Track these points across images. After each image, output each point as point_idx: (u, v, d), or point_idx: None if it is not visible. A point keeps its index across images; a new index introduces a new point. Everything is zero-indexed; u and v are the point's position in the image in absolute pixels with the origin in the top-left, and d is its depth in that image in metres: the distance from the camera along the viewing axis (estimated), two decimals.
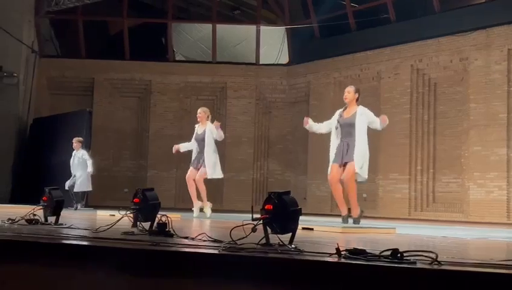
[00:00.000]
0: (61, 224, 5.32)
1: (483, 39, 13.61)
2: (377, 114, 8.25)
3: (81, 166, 13.50)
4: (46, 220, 5.45)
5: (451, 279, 2.58)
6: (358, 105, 7.92)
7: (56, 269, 3.36)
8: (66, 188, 13.17)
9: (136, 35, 18.32)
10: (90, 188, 13.58)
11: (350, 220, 7.86)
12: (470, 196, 13.41)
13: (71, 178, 13.52)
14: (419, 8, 15.32)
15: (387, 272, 2.69)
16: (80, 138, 13.89)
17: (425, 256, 2.88)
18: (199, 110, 10.17)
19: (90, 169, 13.34)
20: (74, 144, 13.70)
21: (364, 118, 7.80)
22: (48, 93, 18.22)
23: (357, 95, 7.92)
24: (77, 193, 13.40)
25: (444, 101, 14.50)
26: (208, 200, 10.00)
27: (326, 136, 8.29)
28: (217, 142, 9.99)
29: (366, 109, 7.91)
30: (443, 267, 2.72)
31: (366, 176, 7.84)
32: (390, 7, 15.51)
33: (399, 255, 2.88)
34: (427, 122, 14.70)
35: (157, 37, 19.57)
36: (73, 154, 13.74)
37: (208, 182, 10.14)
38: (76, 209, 12.84)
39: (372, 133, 8.15)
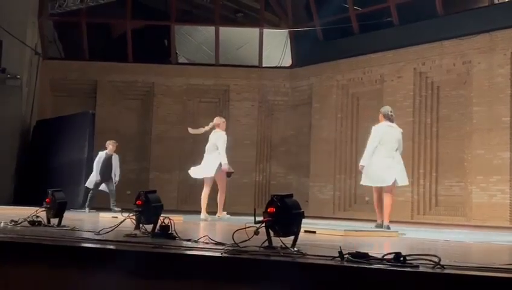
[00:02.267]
0: (64, 226, 5.32)
1: (486, 43, 13.59)
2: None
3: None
4: (48, 222, 5.46)
5: (454, 283, 2.58)
6: (380, 122, 8.62)
7: (59, 271, 3.36)
8: (104, 189, 13.66)
9: (139, 38, 18.34)
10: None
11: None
12: (473, 199, 13.37)
13: (102, 181, 13.70)
14: (423, 11, 15.29)
15: (389, 275, 2.69)
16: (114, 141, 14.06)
17: (428, 260, 2.88)
18: (218, 119, 10.31)
19: (117, 178, 13.78)
20: (110, 146, 13.83)
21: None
22: (51, 95, 18.24)
23: (380, 115, 8.68)
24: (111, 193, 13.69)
25: (446, 105, 14.47)
26: (207, 204, 10.00)
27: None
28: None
29: (373, 129, 8.59)
30: (446, 271, 2.71)
31: (400, 183, 8.62)
32: (393, 10, 15.50)
33: (402, 258, 2.88)
34: (430, 126, 14.66)
35: (161, 40, 19.59)
36: (106, 155, 13.77)
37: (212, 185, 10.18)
38: (113, 208, 13.05)
39: None
